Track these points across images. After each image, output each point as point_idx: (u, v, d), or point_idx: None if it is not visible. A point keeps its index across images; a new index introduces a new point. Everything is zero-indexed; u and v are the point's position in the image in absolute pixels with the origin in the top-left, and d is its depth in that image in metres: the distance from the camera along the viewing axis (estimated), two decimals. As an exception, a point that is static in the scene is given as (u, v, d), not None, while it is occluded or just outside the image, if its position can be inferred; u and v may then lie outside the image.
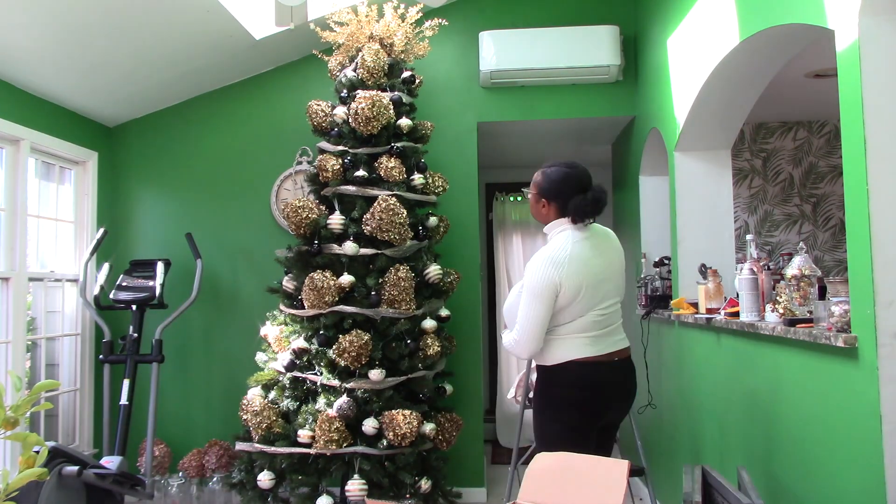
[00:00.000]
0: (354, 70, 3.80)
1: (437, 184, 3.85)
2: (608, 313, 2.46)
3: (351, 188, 3.63)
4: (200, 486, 4.16)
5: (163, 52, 3.90)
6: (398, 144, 3.70)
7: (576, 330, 2.43)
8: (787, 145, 5.23)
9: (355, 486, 3.31)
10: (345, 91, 3.80)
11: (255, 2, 3.77)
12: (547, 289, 2.37)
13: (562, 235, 2.48)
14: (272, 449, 3.44)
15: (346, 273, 3.53)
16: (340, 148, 3.71)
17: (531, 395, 3.58)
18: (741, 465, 2.44)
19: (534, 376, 3.50)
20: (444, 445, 3.66)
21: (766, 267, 2.67)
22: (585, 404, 2.44)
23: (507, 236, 6.24)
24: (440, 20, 3.88)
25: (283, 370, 3.58)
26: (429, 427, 3.54)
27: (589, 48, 4.15)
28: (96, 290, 4.18)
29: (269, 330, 3.72)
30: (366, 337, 3.39)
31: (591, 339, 2.43)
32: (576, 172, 2.49)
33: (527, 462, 2.63)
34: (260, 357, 3.77)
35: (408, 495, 3.40)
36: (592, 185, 2.49)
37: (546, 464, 2.44)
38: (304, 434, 3.39)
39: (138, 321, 4.06)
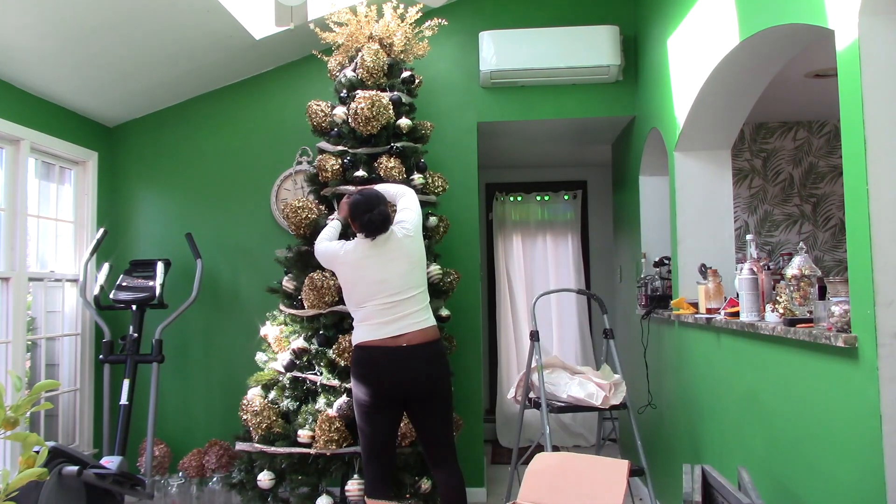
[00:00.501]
0: (354, 70, 3.80)
1: (437, 184, 3.85)
2: (392, 302, 2.94)
3: (351, 188, 3.63)
4: (200, 486, 4.16)
5: (163, 51, 3.90)
6: (398, 144, 3.70)
7: (361, 318, 2.99)
8: (787, 145, 5.23)
9: (355, 486, 3.31)
10: (344, 91, 3.80)
11: (255, 2, 3.77)
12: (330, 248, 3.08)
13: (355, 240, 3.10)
14: (272, 449, 3.44)
15: (346, 273, 3.53)
16: (340, 148, 3.71)
17: (531, 395, 3.58)
18: (741, 465, 2.44)
19: (534, 376, 3.51)
20: (444, 445, 3.65)
21: (766, 267, 2.68)
22: (364, 379, 2.95)
23: (507, 236, 6.25)
24: (440, 20, 3.88)
25: (283, 370, 3.58)
26: (429, 427, 3.53)
27: (589, 48, 4.15)
28: (96, 290, 4.18)
29: (269, 330, 3.72)
30: (366, 337, 3.39)
31: (375, 325, 2.94)
32: (362, 199, 3.01)
33: (527, 462, 2.63)
34: (260, 357, 3.77)
35: (408, 495, 3.40)
36: (375, 208, 2.96)
37: (546, 464, 2.44)
38: (304, 434, 3.39)
39: (138, 321, 4.07)
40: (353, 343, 3.02)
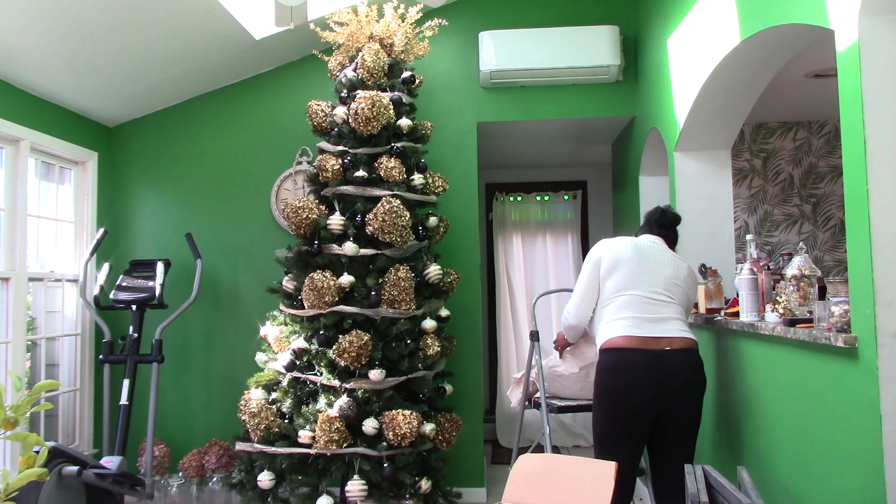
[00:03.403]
0: (354, 70, 3.80)
1: (437, 184, 3.85)
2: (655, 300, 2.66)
3: (351, 188, 3.63)
4: (200, 486, 4.16)
5: (163, 52, 3.90)
6: (398, 144, 3.70)
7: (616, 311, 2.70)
8: (787, 145, 5.23)
9: (355, 486, 3.31)
10: (345, 91, 3.80)
11: (255, 2, 3.77)
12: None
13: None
14: (272, 449, 3.44)
15: (345, 273, 3.53)
16: (340, 148, 3.71)
17: (534, 395, 3.58)
18: (741, 465, 2.44)
19: (534, 375, 3.51)
20: (444, 445, 3.66)
21: (766, 267, 2.68)
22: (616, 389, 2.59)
23: (507, 236, 6.25)
24: (440, 20, 3.88)
25: (284, 370, 3.58)
26: (429, 427, 3.54)
27: (589, 48, 4.15)
28: (96, 290, 4.18)
29: (269, 330, 3.72)
30: (366, 337, 3.39)
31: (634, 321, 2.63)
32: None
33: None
34: (260, 357, 3.77)
35: (408, 495, 3.40)
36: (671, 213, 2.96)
37: (531, 465, 2.43)
38: (304, 434, 3.39)
39: (138, 321, 4.06)
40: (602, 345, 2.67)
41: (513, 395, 3.68)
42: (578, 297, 2.82)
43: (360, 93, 3.64)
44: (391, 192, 3.61)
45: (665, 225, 2.93)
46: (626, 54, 4.30)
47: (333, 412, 3.36)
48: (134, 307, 4.06)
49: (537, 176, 6.33)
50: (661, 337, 2.56)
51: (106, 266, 4.29)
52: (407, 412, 3.37)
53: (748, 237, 2.86)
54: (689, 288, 2.78)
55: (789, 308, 2.34)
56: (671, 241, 2.94)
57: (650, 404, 2.55)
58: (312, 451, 3.38)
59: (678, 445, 2.60)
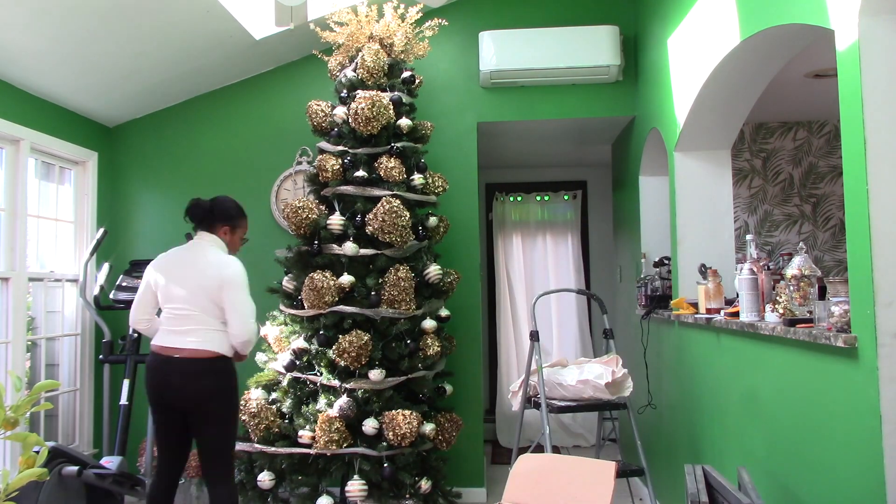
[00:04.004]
0: (354, 70, 3.80)
1: (437, 184, 3.85)
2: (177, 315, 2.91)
3: (351, 188, 3.63)
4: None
5: (163, 52, 3.90)
6: (398, 144, 3.70)
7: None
8: (787, 145, 5.23)
9: (355, 486, 3.31)
10: (345, 91, 3.80)
11: (255, 2, 3.77)
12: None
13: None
14: (272, 449, 3.44)
15: (345, 273, 3.53)
16: (340, 148, 3.71)
17: (534, 396, 3.58)
18: (741, 465, 2.44)
19: (534, 378, 3.51)
20: (444, 445, 3.66)
21: (766, 267, 2.67)
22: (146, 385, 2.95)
23: (506, 236, 6.25)
24: (440, 20, 3.88)
25: (283, 370, 3.58)
26: (429, 427, 3.54)
27: (589, 48, 4.15)
28: (96, 290, 4.17)
29: (269, 330, 3.72)
30: (366, 337, 3.39)
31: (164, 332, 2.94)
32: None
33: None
34: (260, 357, 3.77)
35: (408, 495, 3.40)
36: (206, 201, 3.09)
37: (531, 465, 2.43)
38: (304, 434, 3.39)
39: (138, 321, 4.06)
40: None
41: (514, 401, 3.69)
42: (134, 304, 3.07)
43: (360, 93, 3.64)
44: (391, 192, 3.61)
45: (199, 219, 3.04)
46: (626, 54, 4.30)
47: (333, 412, 3.36)
48: (134, 307, 4.06)
49: (537, 176, 6.34)
50: (174, 347, 2.87)
51: (106, 266, 4.29)
52: (407, 412, 3.37)
53: (748, 237, 2.85)
54: (214, 289, 2.89)
55: (789, 308, 2.34)
56: (216, 228, 3.04)
57: (159, 400, 2.91)
58: (312, 451, 3.38)
59: (202, 444, 2.92)
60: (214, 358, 2.87)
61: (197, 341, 2.86)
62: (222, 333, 2.91)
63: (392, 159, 3.65)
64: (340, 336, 3.42)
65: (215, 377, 2.88)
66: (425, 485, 3.45)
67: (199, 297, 2.89)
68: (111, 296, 4.13)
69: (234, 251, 3.13)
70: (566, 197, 6.29)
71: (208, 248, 3.00)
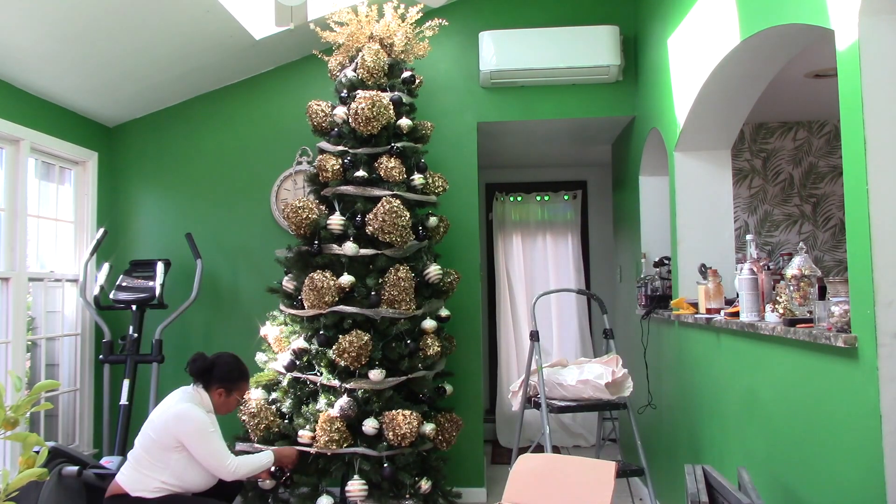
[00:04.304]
0: (354, 70, 3.79)
1: (437, 184, 3.85)
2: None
3: (351, 188, 3.63)
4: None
5: (163, 51, 3.90)
6: (398, 144, 3.70)
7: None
8: (787, 145, 5.23)
9: (355, 486, 3.31)
10: (345, 91, 3.80)
11: (255, 2, 3.77)
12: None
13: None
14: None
15: (346, 273, 3.53)
16: (340, 148, 3.71)
17: (534, 396, 3.58)
18: (741, 465, 2.44)
19: (534, 378, 3.51)
20: (444, 445, 3.66)
21: (766, 267, 2.67)
22: None
23: (507, 236, 6.25)
24: (440, 20, 3.88)
25: (284, 370, 3.58)
26: (429, 427, 3.54)
27: (589, 48, 4.15)
28: (96, 290, 4.18)
29: (269, 330, 3.72)
30: (366, 337, 3.39)
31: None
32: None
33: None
34: (260, 357, 3.77)
35: (408, 495, 3.40)
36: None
37: (531, 465, 2.43)
38: (304, 434, 3.39)
39: (138, 321, 4.06)
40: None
41: (514, 401, 3.69)
42: None
43: (360, 93, 3.64)
44: (391, 192, 3.61)
45: (197, 374, 3.03)
46: (626, 54, 4.30)
47: (334, 412, 3.36)
48: (134, 307, 4.06)
49: (537, 176, 6.34)
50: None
51: (106, 266, 4.29)
52: (407, 412, 3.37)
53: (748, 237, 2.85)
54: (176, 433, 2.82)
55: (789, 308, 2.34)
56: (211, 385, 3.02)
57: None
58: (312, 451, 3.38)
59: None
60: (119, 496, 2.85)
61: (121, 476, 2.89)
62: (148, 478, 2.84)
63: (392, 159, 3.65)
64: (340, 336, 3.42)
65: None
66: (425, 485, 3.44)
67: (147, 434, 2.89)
68: (111, 296, 4.13)
69: (226, 412, 3.11)
70: (566, 197, 6.29)
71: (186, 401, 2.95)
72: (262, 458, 3.06)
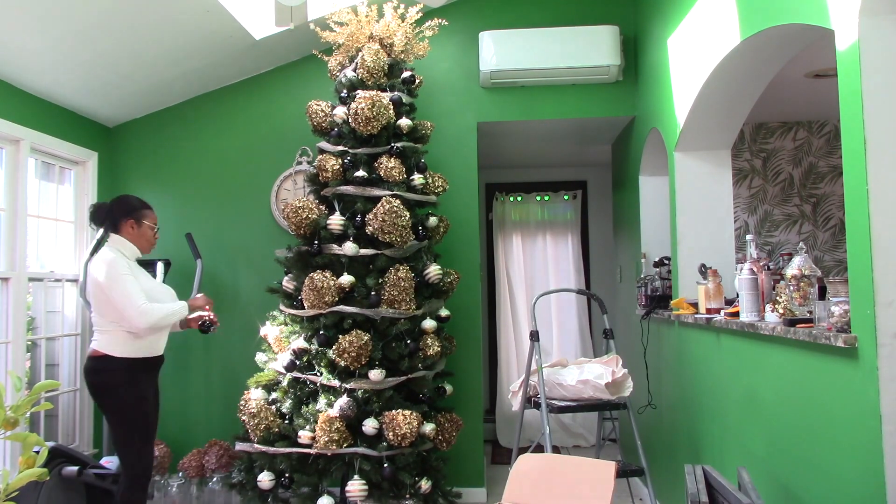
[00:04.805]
0: (354, 70, 3.80)
1: (437, 184, 3.85)
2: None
3: (351, 188, 3.63)
4: (200, 486, 4.15)
5: (163, 52, 3.90)
6: (398, 144, 3.70)
7: None
8: (787, 145, 5.23)
9: (355, 486, 3.31)
10: (345, 91, 3.80)
11: (255, 2, 3.77)
12: None
13: None
14: (272, 449, 3.44)
15: (345, 273, 3.53)
16: (340, 148, 3.71)
17: (534, 396, 3.58)
18: (741, 465, 2.44)
19: (534, 378, 3.51)
20: (444, 445, 3.66)
21: (766, 267, 2.67)
22: None
23: (507, 236, 6.25)
24: (440, 20, 3.88)
25: (284, 370, 3.58)
26: (429, 427, 3.54)
27: (589, 48, 4.15)
28: (96, 290, 4.17)
29: (269, 330, 3.72)
30: (366, 337, 3.39)
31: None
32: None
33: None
34: (260, 357, 3.77)
35: (408, 496, 3.40)
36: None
37: (531, 465, 2.43)
38: (304, 434, 3.39)
39: (138, 321, 4.06)
40: None
41: (514, 401, 3.69)
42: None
43: (360, 93, 3.64)
44: (391, 192, 3.61)
45: (100, 221, 3.14)
46: (626, 54, 4.30)
47: (333, 412, 3.36)
48: (134, 307, 4.05)
49: (537, 176, 6.34)
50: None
51: (106, 266, 4.29)
52: (407, 412, 3.37)
53: (748, 237, 2.86)
54: (95, 287, 2.97)
55: (789, 308, 2.34)
56: (118, 223, 3.11)
57: None
58: (312, 451, 3.38)
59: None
60: (98, 357, 3.00)
61: (93, 342, 3.06)
62: (108, 333, 3.01)
63: (392, 159, 3.65)
64: (340, 336, 3.42)
65: (95, 375, 3.01)
66: (425, 485, 3.44)
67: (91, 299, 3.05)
68: (111, 296, 4.12)
69: (150, 246, 3.21)
70: (566, 197, 6.30)
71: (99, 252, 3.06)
72: (175, 306, 3.13)
